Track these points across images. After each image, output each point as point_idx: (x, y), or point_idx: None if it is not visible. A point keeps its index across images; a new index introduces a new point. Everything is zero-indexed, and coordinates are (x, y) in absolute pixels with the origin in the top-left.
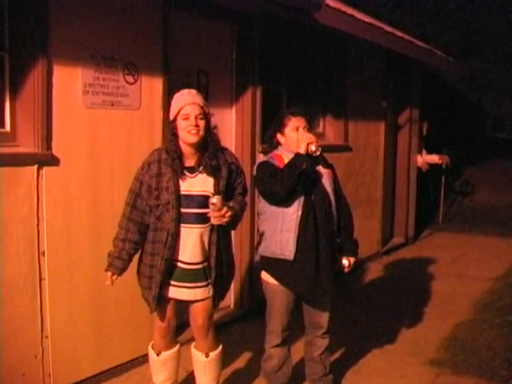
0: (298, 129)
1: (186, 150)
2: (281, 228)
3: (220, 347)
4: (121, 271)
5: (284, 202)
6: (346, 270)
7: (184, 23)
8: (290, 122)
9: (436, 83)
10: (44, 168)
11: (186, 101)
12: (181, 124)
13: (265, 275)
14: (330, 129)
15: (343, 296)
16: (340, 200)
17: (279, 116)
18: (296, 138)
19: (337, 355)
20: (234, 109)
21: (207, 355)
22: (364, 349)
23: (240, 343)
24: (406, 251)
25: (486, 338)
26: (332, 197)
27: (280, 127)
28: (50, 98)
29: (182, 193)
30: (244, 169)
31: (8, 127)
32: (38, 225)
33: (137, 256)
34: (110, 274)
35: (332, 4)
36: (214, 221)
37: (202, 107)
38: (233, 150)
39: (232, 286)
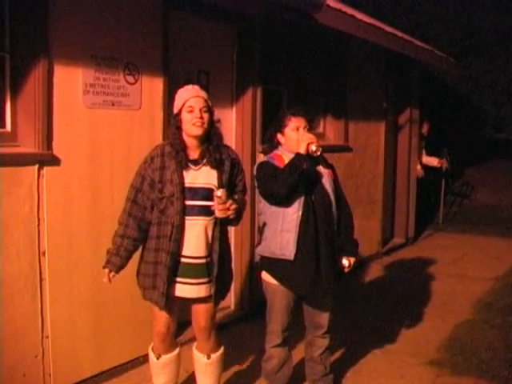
0: (298, 129)
1: (189, 142)
2: (281, 228)
3: (222, 349)
4: (118, 268)
5: (284, 202)
6: (346, 270)
7: (184, 23)
8: (290, 122)
9: (436, 83)
10: (45, 168)
11: (191, 94)
12: (185, 117)
13: (265, 275)
14: (330, 129)
15: (343, 296)
16: (340, 200)
17: (279, 116)
18: (296, 138)
19: (337, 355)
20: (234, 109)
21: (209, 357)
22: (364, 349)
23: (240, 344)
24: (406, 251)
25: (486, 338)
26: (332, 197)
27: (280, 127)
28: (50, 98)
29: (186, 185)
30: (244, 169)
31: (9, 127)
32: (38, 225)
33: (136, 257)
34: (107, 271)
35: (332, 4)
36: (218, 214)
37: (206, 100)
38: None
39: (232, 286)
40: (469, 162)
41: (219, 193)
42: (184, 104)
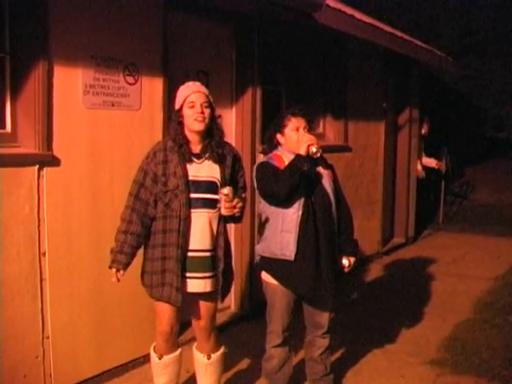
0: (297, 129)
1: (191, 137)
2: (281, 228)
3: (222, 349)
4: (125, 266)
5: (284, 203)
6: (346, 270)
7: (184, 24)
8: (290, 123)
9: (436, 83)
10: (45, 169)
11: (192, 89)
12: (187, 112)
13: (265, 276)
14: (330, 129)
15: (343, 296)
16: (340, 200)
17: (279, 116)
18: (296, 139)
19: (337, 355)
20: (234, 109)
21: (209, 357)
22: (364, 349)
23: (241, 344)
24: (406, 251)
25: (486, 337)
26: (332, 197)
27: (280, 127)
28: (50, 99)
29: (190, 178)
30: (244, 168)
31: (9, 128)
32: (38, 225)
33: (136, 256)
34: (114, 270)
35: (332, 4)
36: (225, 212)
37: (207, 96)
38: None
39: (232, 286)
40: (469, 161)
41: (226, 190)
42: (185, 99)
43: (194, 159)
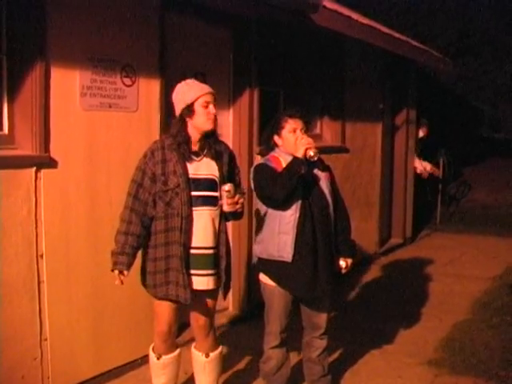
0: (295, 131)
1: (194, 135)
2: (278, 230)
3: (220, 347)
4: (128, 266)
5: (282, 205)
6: (344, 271)
7: (181, 25)
8: (287, 124)
9: (433, 84)
10: (42, 170)
11: (206, 90)
12: (200, 110)
13: (263, 277)
14: (328, 130)
15: (341, 297)
16: (337, 202)
17: (276, 118)
18: (293, 141)
19: (335, 356)
20: (231, 110)
21: (207, 355)
22: (362, 349)
23: (239, 345)
24: (404, 252)
25: (484, 337)
26: (329, 199)
27: (277, 129)
28: (47, 101)
29: (190, 176)
30: (241, 170)
31: (6, 130)
32: (36, 227)
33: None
34: (117, 272)
35: (329, 5)
36: (227, 208)
37: (215, 96)
38: None
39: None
40: (466, 161)
41: (227, 187)
42: (198, 98)
43: (193, 157)
